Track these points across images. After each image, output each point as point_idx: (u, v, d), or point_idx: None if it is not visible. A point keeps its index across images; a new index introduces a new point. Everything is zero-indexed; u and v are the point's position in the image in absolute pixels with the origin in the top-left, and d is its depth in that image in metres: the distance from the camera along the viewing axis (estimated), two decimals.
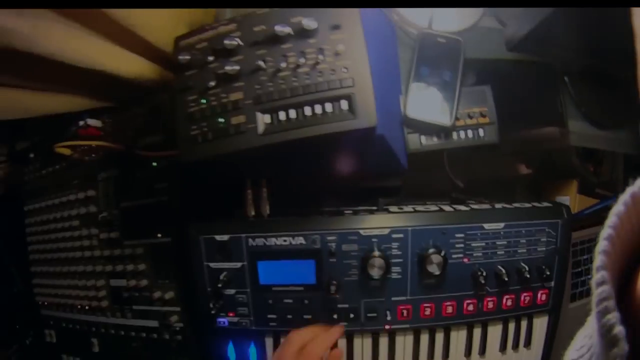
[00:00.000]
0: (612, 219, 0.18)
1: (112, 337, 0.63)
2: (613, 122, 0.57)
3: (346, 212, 0.53)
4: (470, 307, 0.53)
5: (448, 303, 0.52)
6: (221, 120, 0.43)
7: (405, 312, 0.52)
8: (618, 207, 0.18)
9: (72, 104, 0.66)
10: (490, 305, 0.53)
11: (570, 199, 0.60)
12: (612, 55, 0.52)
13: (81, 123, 0.61)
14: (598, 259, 0.17)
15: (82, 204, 0.63)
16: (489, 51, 0.57)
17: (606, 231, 0.18)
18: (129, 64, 0.59)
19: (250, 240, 0.51)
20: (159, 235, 0.58)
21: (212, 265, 0.52)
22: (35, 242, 0.70)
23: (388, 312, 0.52)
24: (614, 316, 0.16)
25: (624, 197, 0.18)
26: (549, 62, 0.57)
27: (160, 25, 0.60)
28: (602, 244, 0.18)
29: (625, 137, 0.57)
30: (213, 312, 0.52)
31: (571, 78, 0.57)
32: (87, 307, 0.64)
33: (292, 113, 0.42)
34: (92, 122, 0.61)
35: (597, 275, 0.17)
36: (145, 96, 0.62)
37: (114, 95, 0.68)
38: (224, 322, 0.54)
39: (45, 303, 0.69)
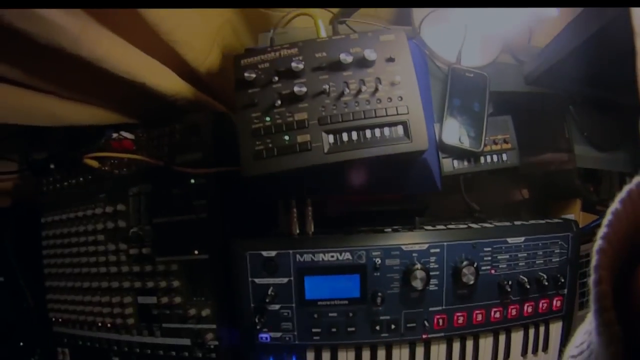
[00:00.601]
0: (609, 217, 0.18)
1: (136, 356, 0.61)
2: (611, 144, 0.65)
3: (386, 230, 0.56)
4: (497, 315, 0.57)
5: (478, 311, 0.56)
6: (286, 137, 0.45)
7: (441, 321, 0.55)
8: (615, 206, 0.18)
9: (100, 116, 0.65)
10: (514, 312, 0.58)
11: (575, 216, 0.67)
12: (613, 85, 0.60)
13: (114, 135, 0.60)
14: (595, 258, 0.17)
15: (110, 218, 0.62)
16: (505, 84, 0.64)
17: (603, 230, 0.18)
18: (168, 81, 0.60)
19: (298, 256, 0.52)
20: (196, 252, 0.57)
21: (257, 280, 0.53)
22: (52, 256, 0.67)
23: (426, 322, 0.55)
24: (611, 315, 0.16)
25: (621, 194, 0.18)
26: (556, 93, 0.65)
27: (199, 46, 0.62)
28: (599, 243, 0.18)
29: (622, 157, 0.65)
30: (258, 327, 0.52)
31: (575, 106, 0.65)
32: (109, 325, 0.62)
33: (354, 135, 0.45)
34: (126, 134, 0.60)
35: (594, 275, 0.17)
36: (177, 117, 0.62)
37: (145, 112, 0.68)
38: (266, 338, 0.54)
39: (60, 319, 0.66)
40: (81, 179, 0.65)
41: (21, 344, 0.67)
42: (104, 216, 0.62)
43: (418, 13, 0.64)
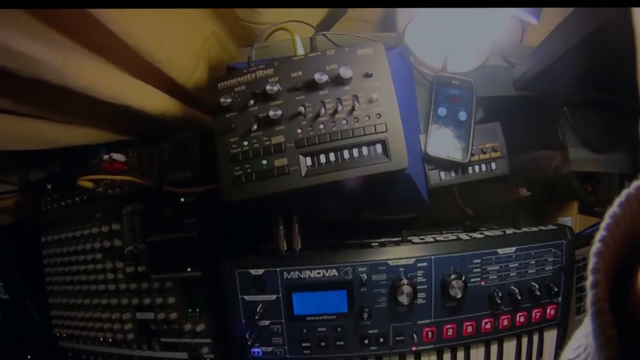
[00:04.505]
0: (607, 221, 0.18)
1: None
2: (608, 145, 0.63)
3: (373, 244, 0.56)
4: (488, 326, 0.57)
5: (468, 323, 0.56)
6: (264, 162, 0.45)
7: (430, 333, 0.55)
8: (613, 209, 0.18)
9: (92, 136, 0.67)
10: (505, 322, 0.57)
11: (572, 219, 0.65)
12: (609, 85, 0.57)
13: (106, 157, 0.61)
14: (592, 261, 0.18)
15: (106, 238, 0.63)
16: (495, 89, 0.62)
17: (601, 233, 0.18)
18: (154, 101, 0.61)
19: (285, 273, 0.53)
20: (189, 269, 0.59)
21: (247, 297, 0.54)
22: (54, 274, 0.69)
23: (414, 335, 0.55)
24: (607, 318, 0.17)
25: (619, 198, 0.18)
26: (549, 95, 0.63)
27: (184, 63, 0.62)
28: (596, 246, 0.18)
29: (620, 158, 0.63)
30: (249, 342, 0.54)
31: (570, 108, 0.63)
32: (110, 340, 0.64)
33: (332, 156, 0.45)
34: (117, 156, 0.61)
35: (591, 278, 0.17)
36: (169, 132, 0.63)
37: (136, 130, 0.69)
38: (258, 352, 0.56)
39: (64, 335, 0.69)
40: (77, 199, 0.67)
41: (29, 357, 0.70)
42: (100, 235, 0.64)
43: (402, 17, 0.62)
